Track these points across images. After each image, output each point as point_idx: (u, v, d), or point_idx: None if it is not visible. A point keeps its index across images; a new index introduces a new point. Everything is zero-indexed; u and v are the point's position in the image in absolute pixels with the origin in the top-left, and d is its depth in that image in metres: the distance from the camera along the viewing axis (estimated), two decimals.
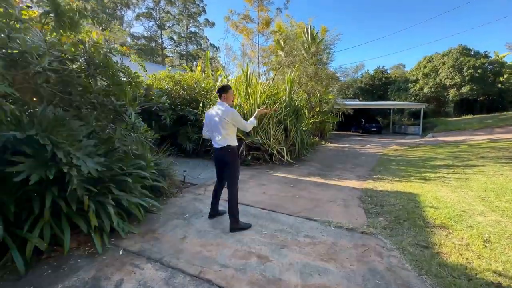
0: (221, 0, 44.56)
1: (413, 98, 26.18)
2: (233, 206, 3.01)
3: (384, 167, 6.74)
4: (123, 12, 38.53)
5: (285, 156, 7.12)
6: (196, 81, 8.85)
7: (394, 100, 28.20)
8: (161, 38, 42.58)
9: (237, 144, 3.02)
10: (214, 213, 3.25)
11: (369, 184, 4.98)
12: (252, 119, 3.17)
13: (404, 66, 49.06)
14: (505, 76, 22.96)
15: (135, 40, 39.49)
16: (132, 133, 3.43)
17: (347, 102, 17.01)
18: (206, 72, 10.45)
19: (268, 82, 9.62)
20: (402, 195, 4.19)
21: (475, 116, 21.37)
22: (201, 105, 7.33)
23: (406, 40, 63.85)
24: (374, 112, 27.75)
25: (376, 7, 66.17)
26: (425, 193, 4.27)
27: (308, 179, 5.48)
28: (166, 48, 43.86)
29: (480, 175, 5.30)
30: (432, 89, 24.16)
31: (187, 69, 10.89)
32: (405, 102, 25.08)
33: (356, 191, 4.56)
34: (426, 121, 22.22)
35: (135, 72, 3.59)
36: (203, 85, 8.77)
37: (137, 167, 3.43)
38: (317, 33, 13.10)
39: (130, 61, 3.98)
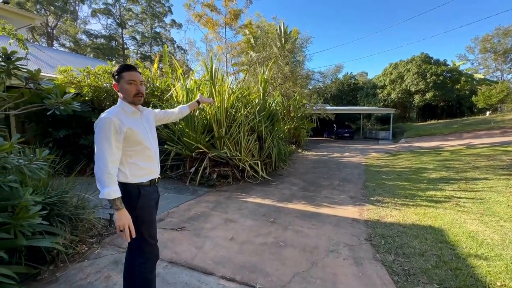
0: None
1: (381, 104, 26.79)
2: None
3: (376, 182, 5.69)
4: (77, 7, 34.68)
5: (260, 172, 5.75)
6: (148, 79, 7.15)
7: (364, 105, 28.69)
8: (122, 38, 39.18)
9: (135, 182, 1.52)
10: None
11: (372, 212, 3.79)
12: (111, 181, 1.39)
13: (366, 74, 51.28)
14: (461, 83, 24.45)
15: (91, 39, 35.73)
16: None
17: (328, 108, 16.38)
18: (165, 70, 8.77)
19: (237, 81, 8.23)
20: (423, 232, 3.03)
21: (439, 121, 22.25)
22: (150, 107, 5.67)
23: (366, 47, 67.22)
24: (343, 117, 27.92)
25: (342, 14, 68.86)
26: (450, 227, 3.16)
27: (292, 206, 4.14)
28: (128, 49, 40.46)
29: (493, 193, 4.43)
30: (399, 95, 24.87)
31: (140, 65, 9.09)
32: (375, 108, 25.50)
33: (360, 226, 3.32)
34: (394, 126, 22.64)
35: None
36: (157, 84, 7.11)
37: None
38: (290, 31, 12.15)
39: None
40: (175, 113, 2.08)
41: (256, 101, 6.84)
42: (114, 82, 1.57)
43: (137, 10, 38.73)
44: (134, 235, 1.43)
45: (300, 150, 11.73)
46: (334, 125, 22.12)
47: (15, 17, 4.86)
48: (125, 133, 1.44)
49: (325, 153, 11.54)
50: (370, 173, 6.82)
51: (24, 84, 2.37)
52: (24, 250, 2.20)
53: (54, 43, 32.12)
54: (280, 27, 11.77)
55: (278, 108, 7.90)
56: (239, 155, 5.60)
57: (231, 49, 10.79)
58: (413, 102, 25.18)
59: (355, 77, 36.67)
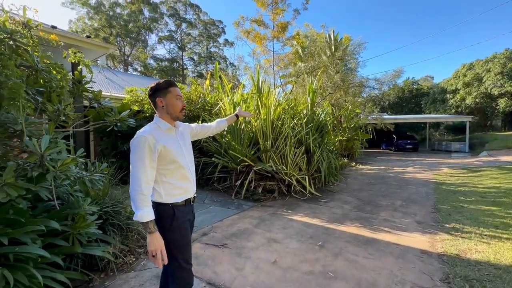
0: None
1: (453, 111, 23.23)
2: None
3: (452, 205, 4.72)
4: (147, 36, 40.16)
5: (308, 187, 5.38)
6: (200, 94, 7.60)
7: (430, 113, 25.33)
8: (182, 59, 43.57)
9: (170, 202, 1.46)
10: None
11: (448, 244, 3.07)
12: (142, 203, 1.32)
13: (432, 78, 45.47)
14: None
15: (158, 62, 40.73)
16: (53, 169, 2.02)
17: (386, 117, 15.00)
18: (216, 85, 9.25)
19: (284, 93, 8.10)
20: None
21: None
22: (199, 122, 5.93)
23: (431, 49, 59.75)
24: (404, 127, 25.07)
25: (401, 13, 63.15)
26: None
27: (343, 228, 3.68)
28: (187, 68, 44.71)
29: None
30: (477, 100, 21.17)
31: (194, 83, 9.77)
32: (445, 115, 22.21)
33: (432, 261, 2.69)
34: (471, 136, 19.24)
35: (53, 63, 2.20)
36: (207, 99, 7.48)
37: (36, 234, 1.93)
38: (341, 39, 11.59)
39: (65, 58, 2.65)
40: (213, 127, 2.01)
41: (304, 112, 6.58)
42: (159, 97, 1.50)
43: (195, 34, 42.75)
44: (166, 262, 1.35)
45: (353, 164, 10.80)
46: (394, 136, 19.99)
47: (94, 48, 5.71)
48: (159, 151, 1.39)
49: (383, 167, 10.36)
50: (442, 192, 5.75)
51: (89, 103, 2.67)
52: (81, 256, 2.37)
53: (129, 68, 37.67)
54: (329, 35, 11.34)
55: (327, 119, 7.46)
56: (285, 168, 5.36)
57: (279, 61, 10.81)
58: (497, 107, 21.06)
59: (418, 82, 32.93)
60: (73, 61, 2.57)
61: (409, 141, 19.11)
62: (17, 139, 2.04)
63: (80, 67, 2.58)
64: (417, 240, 3.24)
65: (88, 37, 5.62)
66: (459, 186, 6.36)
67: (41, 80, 2.15)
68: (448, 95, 23.88)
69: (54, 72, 2.20)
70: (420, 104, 28.01)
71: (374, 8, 60.93)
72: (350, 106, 10.64)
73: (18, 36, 1.94)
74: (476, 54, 56.79)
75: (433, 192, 5.82)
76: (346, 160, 10.60)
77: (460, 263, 2.61)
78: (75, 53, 2.54)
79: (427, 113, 26.00)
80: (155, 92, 1.51)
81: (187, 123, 1.80)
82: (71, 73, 3.23)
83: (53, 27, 4.82)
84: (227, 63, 44.46)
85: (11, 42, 1.92)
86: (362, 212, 4.45)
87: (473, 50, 68.75)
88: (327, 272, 2.50)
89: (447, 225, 3.70)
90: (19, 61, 1.95)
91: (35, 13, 2.35)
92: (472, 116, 19.58)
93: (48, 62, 2.17)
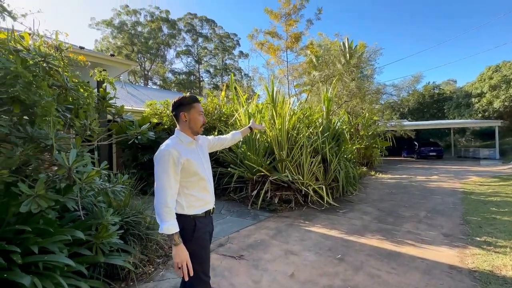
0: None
1: (479, 115, 22.00)
2: None
3: (483, 216, 4.41)
4: (165, 52, 42.02)
5: (325, 197, 5.26)
6: (216, 106, 7.77)
7: (454, 118, 24.16)
8: (199, 72, 44.96)
9: (191, 213, 1.48)
10: None
11: (480, 259, 2.86)
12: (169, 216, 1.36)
13: (455, 81, 43.54)
14: None
15: (176, 76, 42.32)
16: (79, 181, 2.14)
17: (406, 123, 14.54)
18: (232, 96, 9.43)
19: (299, 102, 8.09)
20: None
21: None
22: (215, 133, 6.04)
23: (449, 53, 57.08)
24: (426, 133, 24.01)
25: (417, 15, 61.32)
26: None
27: (364, 241, 3.53)
28: (203, 81, 46.00)
29: None
30: (506, 103, 19.94)
31: (210, 94, 10.03)
32: (471, 120, 21.11)
33: (463, 278, 2.51)
34: (502, 142, 18.06)
35: (81, 82, 2.36)
36: (223, 110, 7.64)
37: (63, 244, 2.02)
38: (355, 46, 11.49)
39: (91, 76, 2.83)
40: (228, 139, 2.05)
41: (320, 121, 6.51)
42: (182, 112, 1.52)
43: (211, 47, 44.14)
44: (192, 273, 1.36)
45: (372, 172, 10.44)
46: (415, 143, 19.20)
47: (117, 65, 6.08)
48: (182, 164, 1.42)
49: (405, 176, 9.92)
50: (472, 203, 5.39)
51: (112, 118, 2.82)
52: (104, 266, 2.45)
53: (148, 82, 39.44)
54: (344, 43, 11.30)
55: (344, 127, 7.33)
56: (302, 178, 5.29)
57: (293, 71, 10.88)
58: None
59: (439, 86, 31.65)
60: (98, 79, 2.74)
61: (432, 148, 18.27)
62: (48, 153, 2.19)
63: (105, 84, 2.74)
64: (444, 254, 3.04)
65: (112, 55, 6.00)
66: (490, 195, 5.94)
67: (70, 98, 2.31)
68: (473, 99, 22.70)
69: (82, 90, 2.37)
70: (442, 109, 26.83)
71: (374, 8, 59.66)
72: (367, 114, 10.41)
73: (51, 59, 2.12)
74: (499, 57, 53.90)
75: (461, 203, 5.47)
76: (364, 168, 10.28)
77: (494, 281, 2.41)
78: (100, 71, 2.71)
79: (450, 119, 24.81)
80: (179, 106, 1.54)
81: (204, 136, 1.85)
82: (96, 90, 3.45)
83: (81, 47, 5.19)
84: (242, 74, 45.25)
85: (44, 64, 2.10)
86: (384, 223, 4.26)
87: (495, 52, 65.51)
88: (348, 287, 2.40)
89: (478, 239, 3.46)
90: (51, 81, 2.12)
91: (66, 36, 2.55)
92: (502, 121, 18.44)
93: (76, 81, 2.33)
